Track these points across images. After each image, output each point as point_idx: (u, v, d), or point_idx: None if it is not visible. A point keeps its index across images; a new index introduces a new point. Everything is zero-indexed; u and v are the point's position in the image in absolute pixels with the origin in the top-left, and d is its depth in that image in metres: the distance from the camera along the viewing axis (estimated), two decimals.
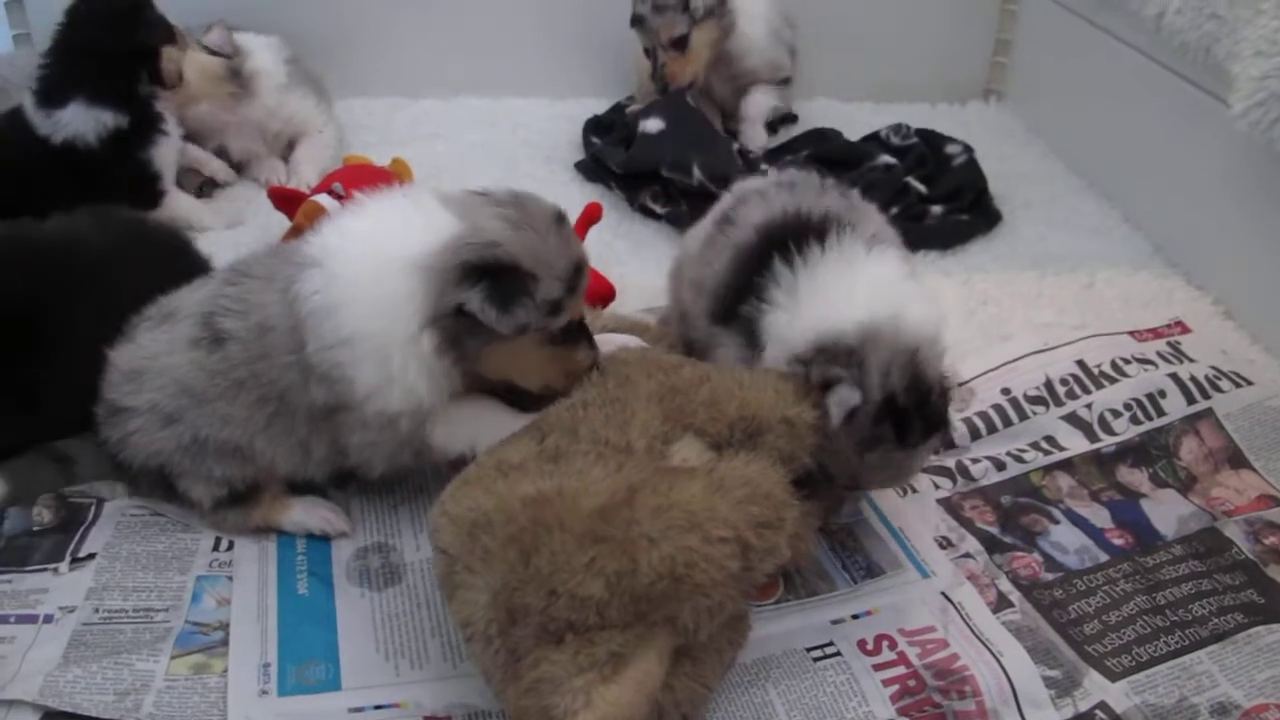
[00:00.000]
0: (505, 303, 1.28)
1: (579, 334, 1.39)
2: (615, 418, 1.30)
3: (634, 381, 1.35)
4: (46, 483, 1.51)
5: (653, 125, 2.35)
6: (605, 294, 1.88)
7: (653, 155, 2.26)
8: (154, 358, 1.41)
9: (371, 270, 1.31)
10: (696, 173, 2.18)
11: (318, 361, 1.33)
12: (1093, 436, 1.67)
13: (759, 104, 2.57)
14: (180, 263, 1.66)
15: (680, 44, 2.44)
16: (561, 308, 1.33)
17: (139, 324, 1.47)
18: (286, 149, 2.41)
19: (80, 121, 1.93)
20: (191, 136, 2.26)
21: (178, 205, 2.14)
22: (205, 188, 2.29)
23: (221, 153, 2.34)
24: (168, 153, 2.11)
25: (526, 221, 1.32)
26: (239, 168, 2.38)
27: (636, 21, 2.47)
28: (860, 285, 1.36)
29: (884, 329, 1.31)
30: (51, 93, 1.94)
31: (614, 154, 2.36)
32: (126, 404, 1.42)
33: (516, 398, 1.42)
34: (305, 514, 1.48)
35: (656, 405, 1.32)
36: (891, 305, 1.33)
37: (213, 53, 2.22)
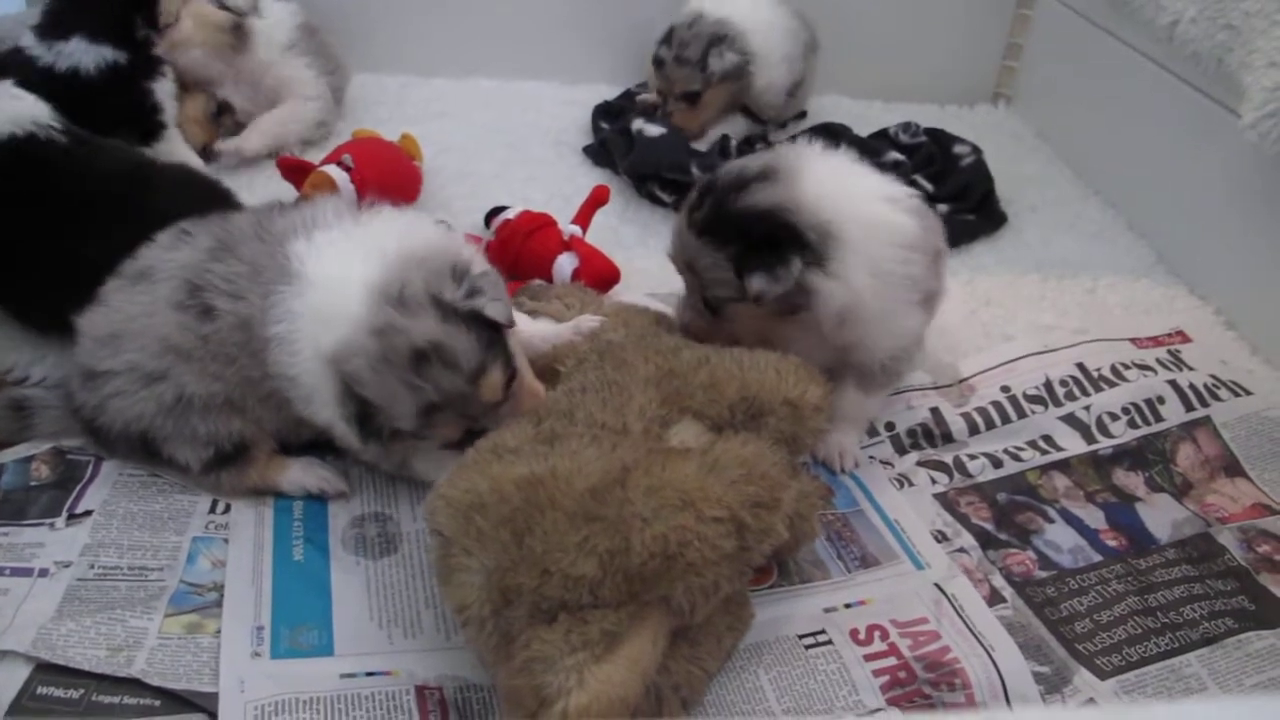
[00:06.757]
0: (362, 428, 1.29)
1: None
2: (612, 401, 1.30)
3: (631, 365, 1.36)
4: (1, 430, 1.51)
5: (652, 129, 2.36)
6: (609, 277, 1.88)
7: (653, 159, 2.28)
8: (132, 319, 1.39)
9: (311, 333, 1.29)
10: (695, 171, 2.19)
11: (278, 385, 1.34)
12: (1090, 438, 1.68)
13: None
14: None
15: (692, 99, 2.44)
16: (424, 434, 1.31)
17: (109, 287, 1.43)
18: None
19: (81, 53, 1.97)
20: (192, 84, 2.25)
21: (176, 145, 2.13)
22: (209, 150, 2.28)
23: (225, 108, 2.32)
24: (167, 88, 2.11)
25: (386, 359, 1.24)
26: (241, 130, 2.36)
27: (657, 63, 2.47)
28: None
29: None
30: (54, 26, 1.99)
31: (619, 150, 2.37)
32: (103, 368, 1.40)
33: None
34: (303, 473, 1.48)
35: (654, 389, 1.32)
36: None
37: (225, 7, 2.21)
